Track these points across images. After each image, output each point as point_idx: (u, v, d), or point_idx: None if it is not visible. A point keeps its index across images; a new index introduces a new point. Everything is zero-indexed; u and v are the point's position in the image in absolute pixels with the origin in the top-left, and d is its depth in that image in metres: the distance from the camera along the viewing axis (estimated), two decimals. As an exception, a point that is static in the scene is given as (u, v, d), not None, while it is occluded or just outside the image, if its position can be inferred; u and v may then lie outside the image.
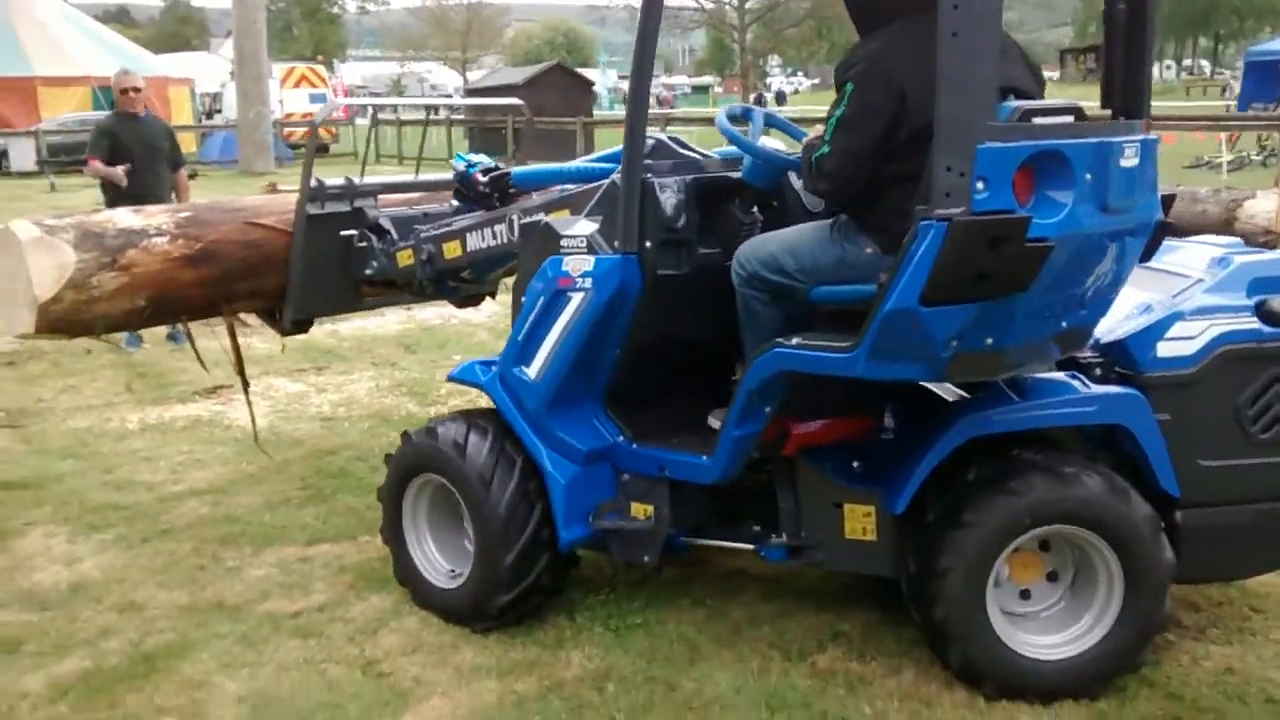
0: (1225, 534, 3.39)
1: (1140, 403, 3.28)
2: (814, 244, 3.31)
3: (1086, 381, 3.37)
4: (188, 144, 31.76)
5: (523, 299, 3.71)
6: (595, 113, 47.82)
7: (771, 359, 3.18)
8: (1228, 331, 3.31)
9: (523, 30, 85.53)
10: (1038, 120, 2.89)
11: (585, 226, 3.58)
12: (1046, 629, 3.37)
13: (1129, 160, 2.96)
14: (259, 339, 8.30)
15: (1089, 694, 3.28)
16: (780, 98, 53.23)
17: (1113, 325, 3.46)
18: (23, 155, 26.51)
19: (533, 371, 3.66)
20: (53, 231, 4.11)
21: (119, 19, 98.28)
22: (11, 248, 4.09)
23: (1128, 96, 3.27)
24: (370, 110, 28.24)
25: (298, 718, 3.29)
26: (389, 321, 8.91)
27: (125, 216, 4.39)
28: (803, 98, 64.71)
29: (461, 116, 28.14)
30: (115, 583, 4.20)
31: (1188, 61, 78.65)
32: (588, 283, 3.50)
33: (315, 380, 7.21)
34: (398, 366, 7.49)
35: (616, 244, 3.47)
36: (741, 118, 3.84)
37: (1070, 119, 3.01)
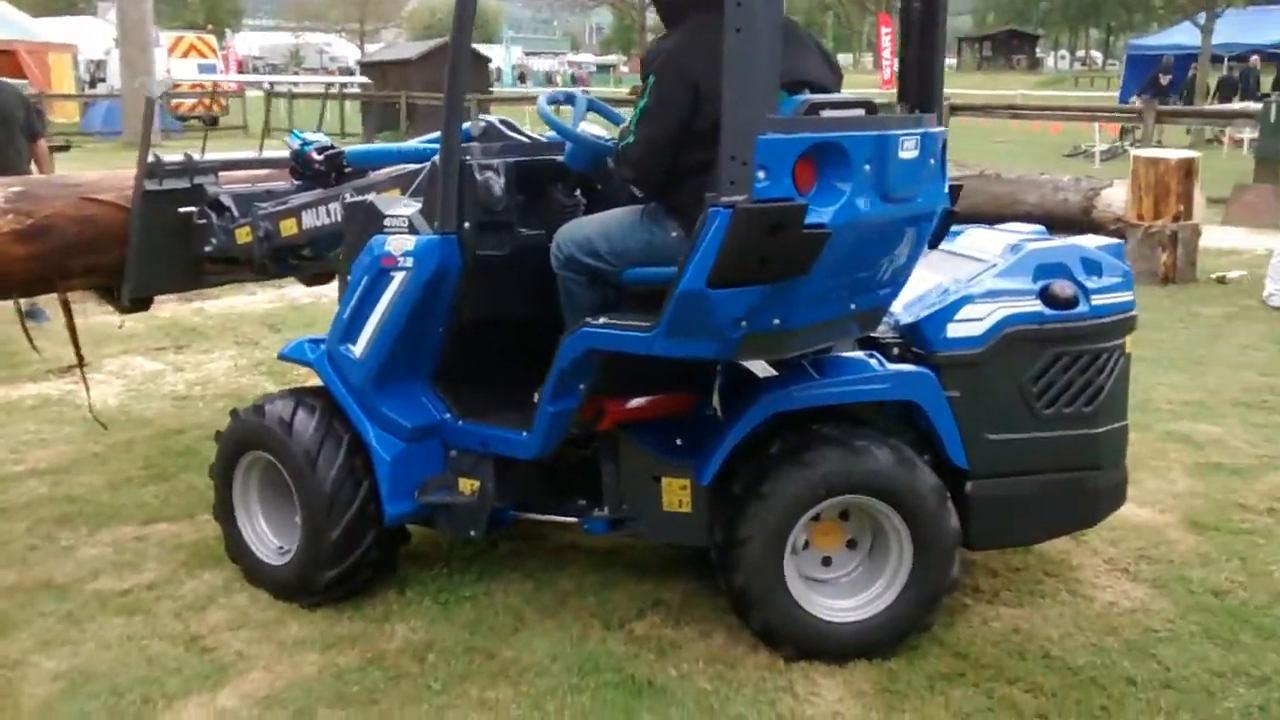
0: (1013, 503, 3.61)
1: (930, 380, 3.48)
2: (625, 228, 3.43)
3: (883, 361, 3.54)
4: (70, 113, 30.88)
5: (349, 277, 3.77)
6: (496, 90, 47.53)
7: (579, 339, 3.31)
8: (1012, 314, 3.51)
9: (425, 4, 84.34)
10: (825, 113, 3.06)
11: (407, 206, 3.66)
12: (843, 594, 3.55)
13: (909, 152, 3.13)
14: (121, 317, 8.21)
15: (881, 654, 3.47)
16: None
17: (911, 308, 3.65)
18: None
19: (358, 349, 3.73)
20: None
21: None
22: None
23: (920, 91, 3.45)
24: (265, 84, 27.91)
25: (114, 693, 3.32)
26: (259, 300, 8.83)
27: None
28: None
29: (356, 90, 27.76)
30: (-60, 563, 4.17)
31: (1081, 52, 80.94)
32: (409, 262, 3.57)
33: (173, 359, 7.14)
34: (260, 345, 7.45)
35: (436, 224, 3.55)
36: (564, 102, 3.94)
37: (861, 112, 3.18)
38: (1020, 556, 4.19)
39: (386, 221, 3.66)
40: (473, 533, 3.80)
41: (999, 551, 4.12)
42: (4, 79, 8.31)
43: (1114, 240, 3.88)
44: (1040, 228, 4.06)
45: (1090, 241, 3.79)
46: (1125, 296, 3.63)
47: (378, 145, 4.06)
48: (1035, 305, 3.52)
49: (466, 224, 3.54)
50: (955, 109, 16.09)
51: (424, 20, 77.90)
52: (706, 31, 3.06)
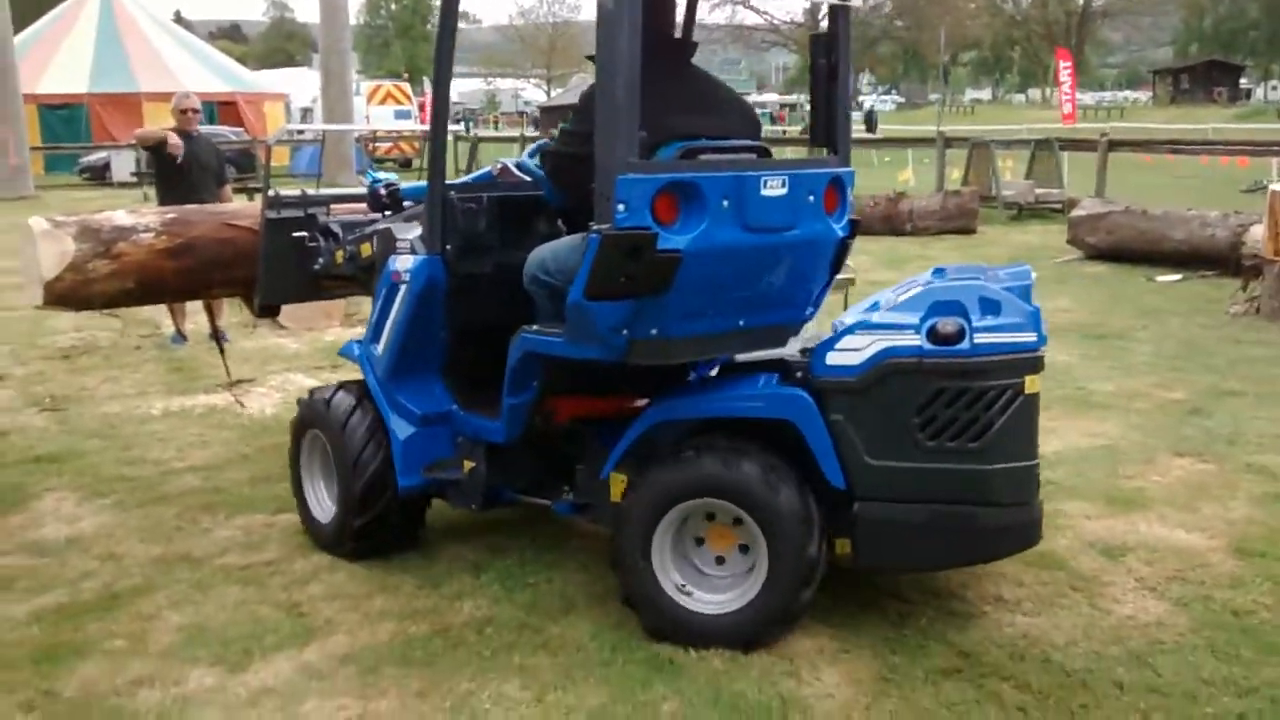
0: (900, 528, 3.72)
1: (804, 403, 3.72)
2: (568, 251, 3.90)
3: (773, 381, 3.87)
4: (280, 157, 33.37)
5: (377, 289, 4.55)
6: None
7: (518, 343, 3.94)
8: (891, 346, 3.64)
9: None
10: (703, 158, 3.63)
11: (413, 231, 4.41)
12: (717, 590, 3.89)
13: (773, 190, 3.63)
14: (292, 339, 9.15)
15: (736, 646, 3.78)
16: (870, 118, 51.74)
17: (821, 333, 3.96)
18: (123, 167, 28.11)
19: (380, 348, 4.51)
20: (59, 226, 5.16)
21: (230, 35, 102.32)
22: (30, 238, 5.14)
23: (827, 133, 4.00)
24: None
25: (222, 643, 3.95)
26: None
27: (120, 216, 5.39)
28: (890, 118, 64.48)
29: (536, 131, 29.08)
30: (104, 538, 4.93)
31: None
32: (408, 277, 4.33)
33: (327, 377, 7.92)
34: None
35: (427, 247, 4.29)
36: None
37: (752, 156, 3.79)
38: (1049, 571, 4.41)
39: (398, 244, 4.43)
40: (473, 506, 4.45)
41: (1026, 564, 4.35)
42: (202, 131, 9.40)
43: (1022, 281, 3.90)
44: (1025, 268, 4.11)
45: (1010, 281, 3.81)
46: (1022, 337, 3.62)
47: (421, 182, 4.71)
48: (916, 340, 3.62)
49: (448, 247, 4.25)
50: (1114, 144, 15.89)
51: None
52: None
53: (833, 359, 3.72)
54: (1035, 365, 3.65)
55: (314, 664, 3.82)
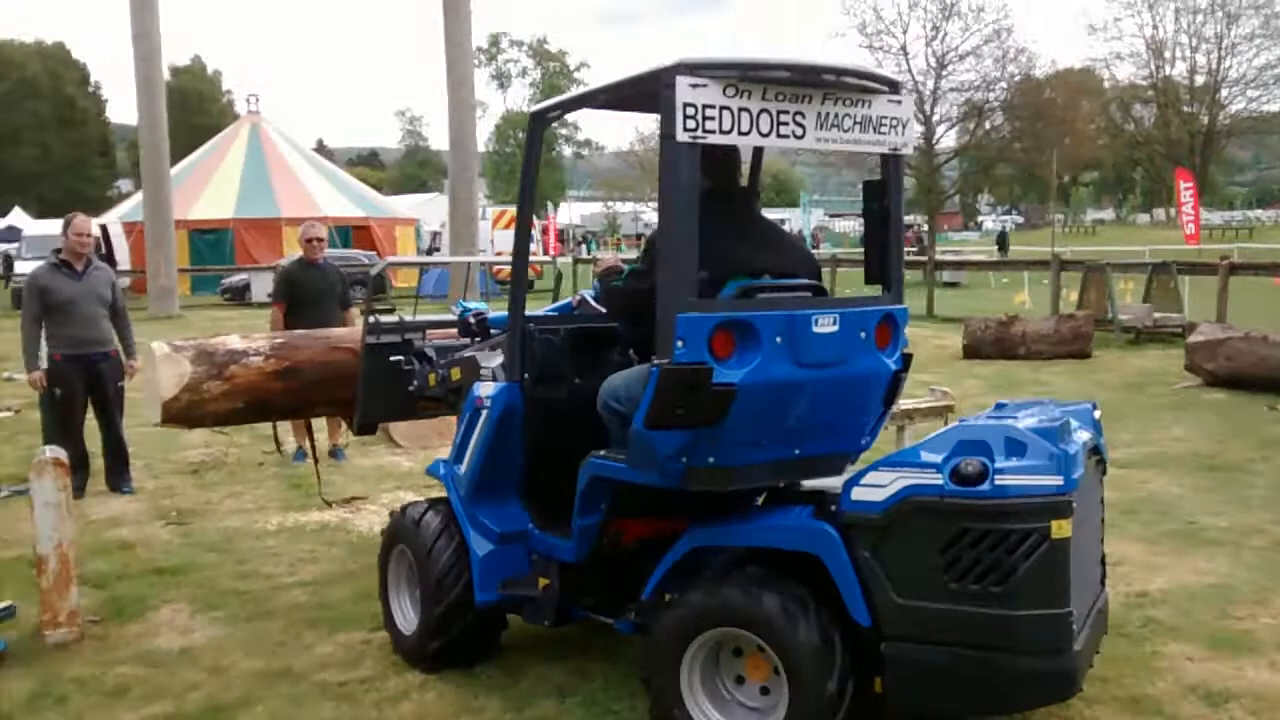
0: (927, 670, 3.64)
1: (829, 537, 3.74)
2: (634, 382, 4.08)
3: (807, 513, 3.90)
4: (410, 279, 34.69)
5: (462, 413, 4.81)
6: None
7: (587, 466, 4.10)
8: (914, 484, 3.60)
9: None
10: (761, 296, 3.87)
11: (495, 359, 4.68)
12: (736, 716, 3.94)
13: (825, 327, 3.82)
14: (407, 458, 9.45)
15: None
16: (1002, 240, 49.73)
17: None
18: (262, 288, 29.48)
19: (463, 468, 4.73)
20: (177, 349, 5.61)
21: (368, 162, 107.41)
22: (151, 361, 5.63)
23: (881, 272, 4.20)
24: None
25: (312, 760, 4.09)
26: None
27: (233, 340, 5.82)
28: (1013, 237, 63.93)
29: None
30: (213, 650, 5.16)
31: None
32: (489, 403, 4.57)
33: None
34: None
35: (507, 375, 4.56)
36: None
37: (808, 295, 4.01)
38: (1145, 717, 4.29)
39: (481, 371, 4.71)
40: (546, 622, 4.58)
41: (1120, 708, 4.24)
42: (327, 259, 9.92)
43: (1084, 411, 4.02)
44: (1087, 406, 4.27)
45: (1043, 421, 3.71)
46: (1047, 480, 3.51)
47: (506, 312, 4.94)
48: (939, 479, 3.57)
49: (526, 375, 4.49)
50: (1236, 268, 15.54)
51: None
52: None
53: (858, 494, 3.72)
54: (1061, 509, 3.51)
55: (398, 783, 3.92)
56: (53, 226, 34.86)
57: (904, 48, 44.49)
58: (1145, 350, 15.74)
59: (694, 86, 3.54)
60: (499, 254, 30.77)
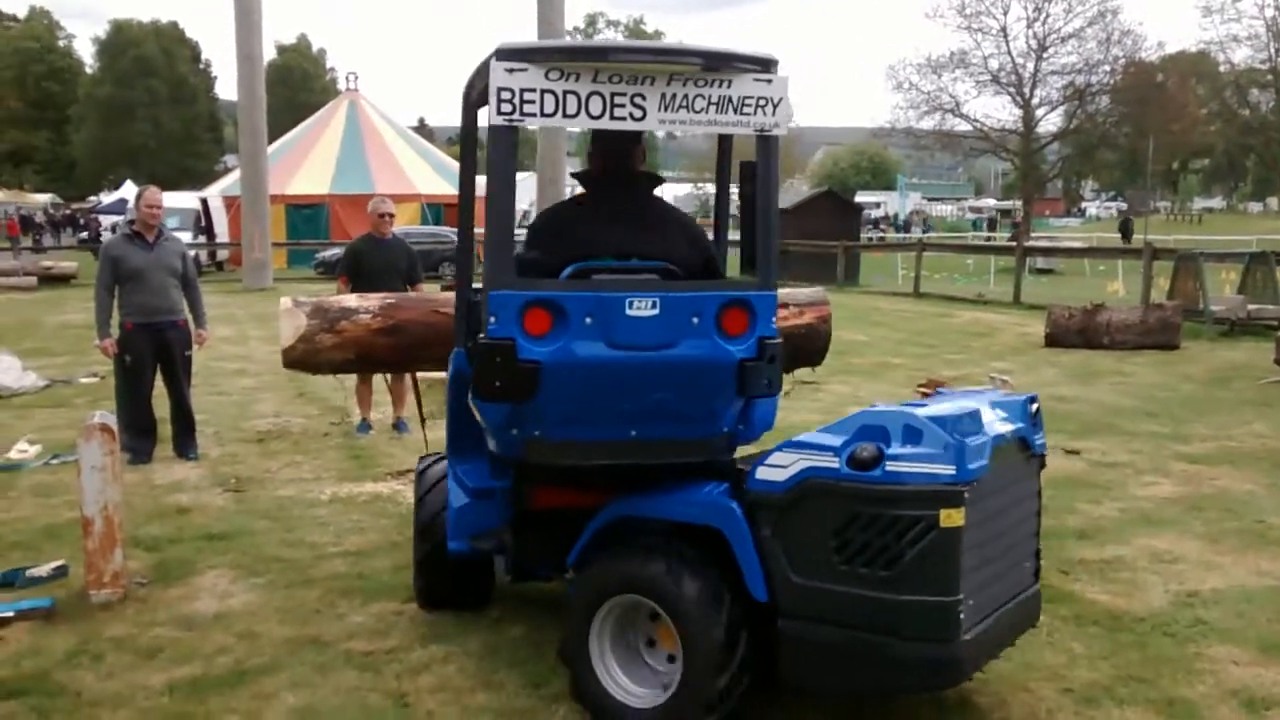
0: (818, 649, 3.72)
1: (731, 513, 3.84)
2: None
3: (719, 490, 4.00)
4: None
5: None
6: (891, 235, 48.09)
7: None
8: (812, 466, 3.67)
9: (829, 154, 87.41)
10: (595, 277, 3.99)
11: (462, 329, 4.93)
12: (645, 681, 4.06)
13: (641, 310, 3.83)
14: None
15: None
16: (1125, 227, 46.21)
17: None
18: (353, 263, 30.04)
19: (445, 429, 5.04)
20: (297, 305, 6.15)
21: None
22: (278, 313, 6.29)
23: (751, 258, 4.08)
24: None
25: (326, 727, 4.15)
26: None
27: (349, 299, 6.44)
28: (1109, 225, 62.12)
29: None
30: (248, 615, 5.26)
31: None
32: (451, 369, 5.00)
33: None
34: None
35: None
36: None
37: (649, 278, 4.04)
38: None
39: (454, 340, 5.06)
40: (508, 576, 4.79)
41: (1155, 710, 4.09)
42: (396, 235, 10.02)
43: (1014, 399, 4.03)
44: (1022, 398, 4.20)
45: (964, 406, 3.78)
46: (939, 469, 3.49)
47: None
48: (835, 462, 3.63)
49: (469, 344, 4.58)
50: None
51: (827, 169, 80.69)
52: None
53: (762, 474, 3.79)
54: (952, 499, 3.48)
55: (405, 754, 3.95)
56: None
57: (1004, 29, 43.44)
58: (1237, 343, 15.15)
59: (510, 71, 3.66)
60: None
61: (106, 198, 52.69)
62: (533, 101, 3.67)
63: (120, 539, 5.43)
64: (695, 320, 3.89)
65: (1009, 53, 42.72)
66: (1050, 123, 44.91)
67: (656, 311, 3.84)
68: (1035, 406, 4.16)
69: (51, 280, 27.67)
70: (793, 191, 47.63)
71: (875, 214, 66.02)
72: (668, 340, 3.87)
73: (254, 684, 4.51)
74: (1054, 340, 14.99)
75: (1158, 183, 63.27)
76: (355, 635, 5.02)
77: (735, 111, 3.86)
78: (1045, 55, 42.77)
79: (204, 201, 36.02)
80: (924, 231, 57.24)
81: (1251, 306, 15.67)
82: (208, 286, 25.62)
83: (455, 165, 39.60)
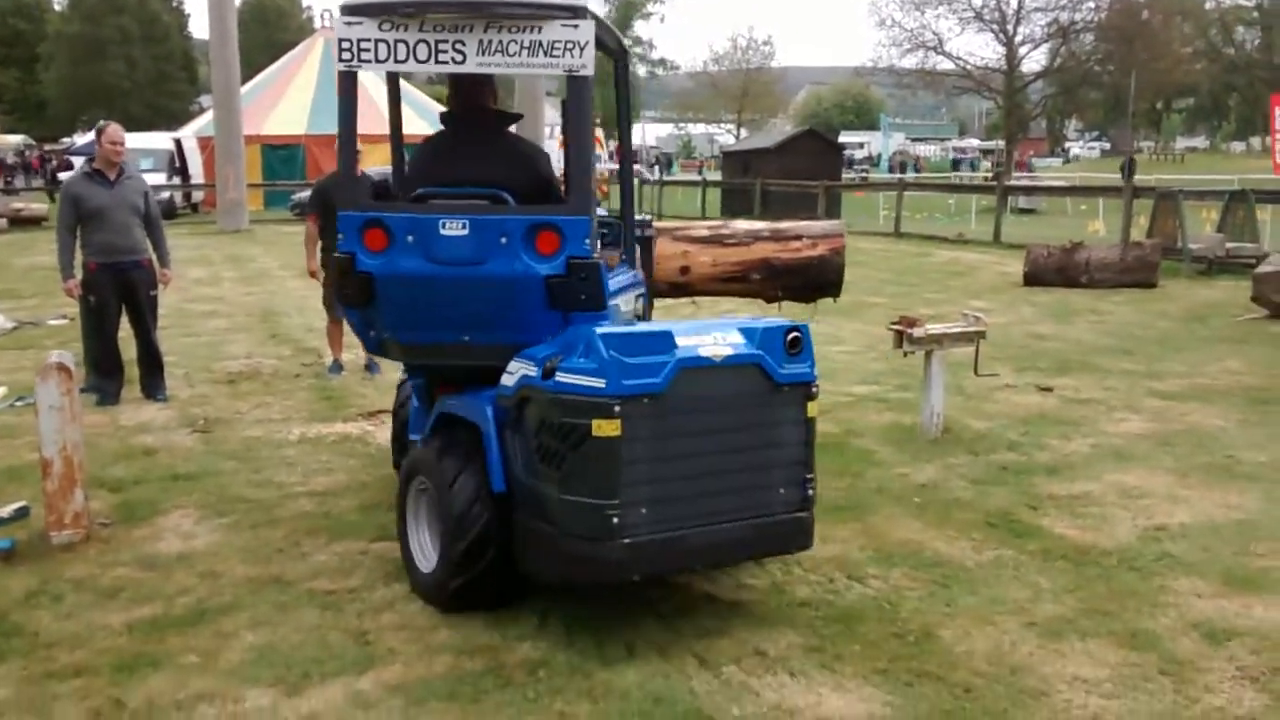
0: (534, 540, 4.22)
1: (483, 412, 4.39)
2: None
3: (489, 393, 4.44)
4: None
5: None
6: (873, 175, 47.82)
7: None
8: (525, 375, 4.19)
9: (813, 93, 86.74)
10: (434, 201, 4.54)
11: None
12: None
13: (453, 230, 4.34)
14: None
15: (434, 603, 4.52)
16: (1127, 167, 44.97)
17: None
18: (330, 204, 29.68)
19: None
20: None
21: (442, 82, 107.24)
22: None
23: (566, 185, 4.58)
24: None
25: (286, 665, 4.10)
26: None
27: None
28: (1093, 165, 61.97)
29: (717, 178, 29.30)
30: (211, 556, 5.21)
31: None
32: None
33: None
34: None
35: None
36: None
37: (478, 202, 4.49)
38: (1140, 652, 4.13)
39: None
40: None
41: (1117, 643, 4.11)
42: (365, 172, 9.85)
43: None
44: (781, 325, 4.31)
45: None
46: (590, 381, 3.91)
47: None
48: (535, 371, 4.14)
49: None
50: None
51: (810, 109, 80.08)
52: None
53: (504, 379, 4.31)
54: (603, 410, 3.88)
55: (365, 692, 3.92)
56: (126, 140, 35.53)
57: (988, -36, 42.75)
58: (1215, 281, 15.16)
59: (348, 24, 4.22)
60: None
61: (80, 139, 51.91)
62: (368, 49, 4.22)
63: (81, 480, 5.36)
64: (503, 240, 4.34)
65: (992, -13, 42.21)
66: (1034, 60, 44.52)
67: (466, 232, 4.33)
68: (792, 336, 4.27)
69: (22, 223, 27.26)
70: (775, 131, 47.37)
71: (859, 154, 65.64)
72: (478, 257, 4.35)
73: (214, 623, 4.47)
74: (1033, 279, 14.95)
75: (1141, 122, 63.01)
76: (319, 574, 4.98)
77: (546, 54, 4.22)
78: (1029, -9, 42.26)
79: (178, 142, 35.44)
80: (916, 172, 56.97)
81: (1230, 245, 15.64)
82: (182, 228, 25.48)
83: (434, 106, 39.20)
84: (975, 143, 78.92)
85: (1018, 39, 42.04)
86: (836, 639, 4.29)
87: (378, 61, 4.22)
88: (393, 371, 9.41)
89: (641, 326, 4.27)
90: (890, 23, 43.46)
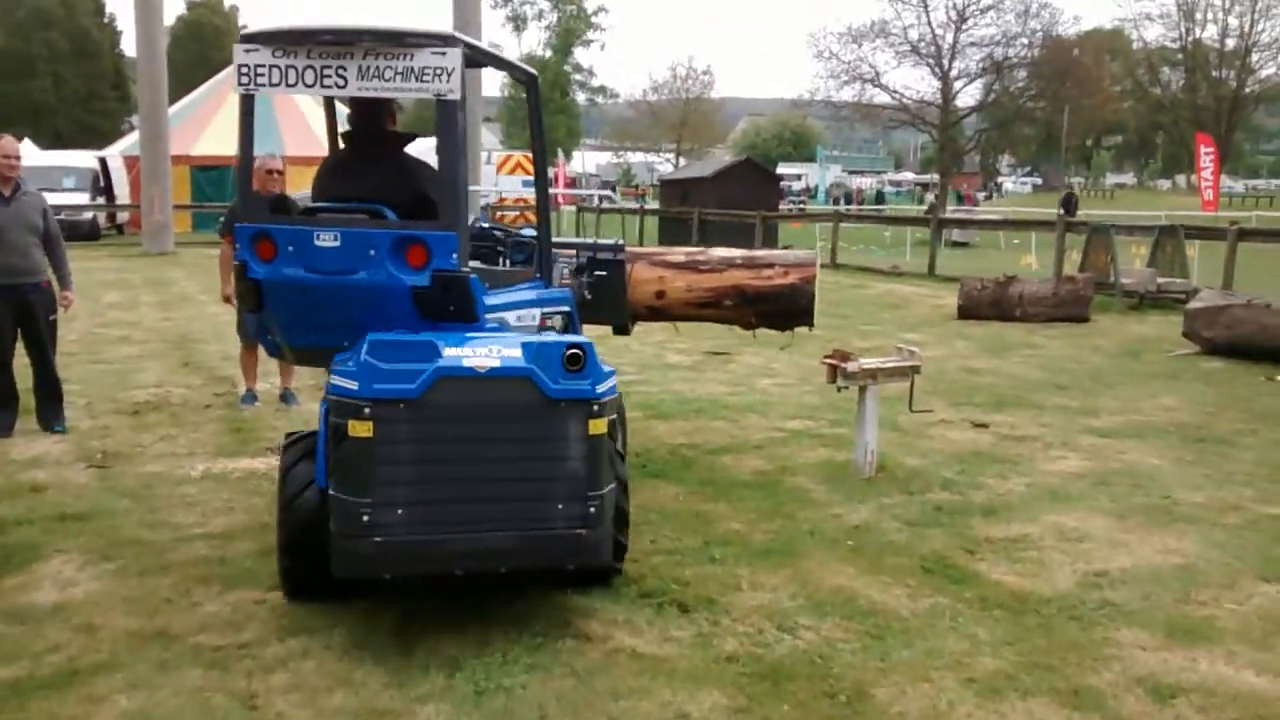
0: (329, 536, 4.33)
1: (323, 413, 4.40)
2: None
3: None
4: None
5: None
6: (810, 207, 48.08)
7: None
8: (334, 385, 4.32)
9: (752, 124, 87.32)
10: (320, 215, 4.86)
11: None
12: None
13: (326, 242, 4.63)
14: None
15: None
16: (1068, 202, 43.57)
17: None
18: (259, 228, 29.03)
19: None
20: None
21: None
22: None
23: (439, 204, 4.74)
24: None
25: (160, 735, 3.72)
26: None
27: None
28: (1024, 200, 62.96)
29: (655, 207, 29.15)
30: (90, 606, 4.79)
31: None
32: None
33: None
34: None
35: None
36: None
37: (358, 216, 4.76)
38: (1083, 711, 3.90)
39: None
40: None
41: (1060, 702, 3.86)
42: (283, 194, 9.47)
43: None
44: (559, 341, 4.40)
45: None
46: (348, 383, 4.16)
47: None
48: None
49: None
50: (1245, 234, 14.98)
51: (749, 140, 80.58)
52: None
53: (333, 379, 4.33)
54: (355, 411, 4.11)
55: (246, 764, 3.55)
56: (48, 158, 34.53)
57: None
58: (1147, 316, 15.20)
59: (247, 51, 4.57)
60: (500, 198, 30.42)
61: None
62: (264, 74, 4.56)
63: (-51, 522, 4.92)
64: (372, 252, 4.60)
65: (929, 23, 42.76)
66: (969, 95, 45.14)
67: (338, 243, 4.61)
68: (572, 352, 4.31)
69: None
70: (714, 160, 47.33)
71: (796, 185, 66.03)
72: (350, 267, 4.62)
73: (85, 685, 4.07)
74: (967, 312, 14.89)
75: (1073, 158, 64.24)
76: (207, 627, 4.59)
77: (417, 80, 4.48)
78: (964, 26, 42.78)
79: (103, 161, 34.52)
80: (859, 204, 57.42)
81: (1161, 280, 15.73)
82: (104, 250, 24.64)
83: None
84: (911, 175, 79.87)
85: (953, 74, 42.67)
86: (764, 699, 4.01)
87: (272, 85, 4.57)
88: (311, 402, 9.04)
89: (412, 335, 4.39)
90: (828, 55, 43.73)
